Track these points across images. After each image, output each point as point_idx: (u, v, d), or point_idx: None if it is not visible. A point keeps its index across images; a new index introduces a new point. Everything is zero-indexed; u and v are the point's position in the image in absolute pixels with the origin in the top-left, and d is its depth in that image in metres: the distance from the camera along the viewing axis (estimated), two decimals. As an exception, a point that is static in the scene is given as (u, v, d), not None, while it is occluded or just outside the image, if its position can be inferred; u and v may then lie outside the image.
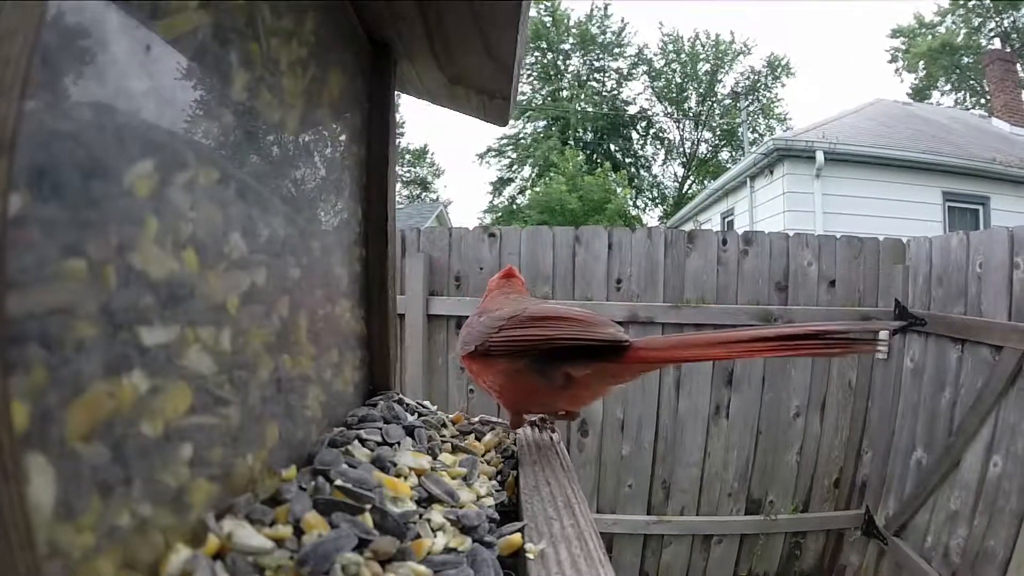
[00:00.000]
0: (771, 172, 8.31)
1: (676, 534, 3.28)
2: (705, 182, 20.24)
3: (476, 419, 0.89)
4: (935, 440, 2.87)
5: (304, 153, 0.65)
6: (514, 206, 23.74)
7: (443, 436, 0.74)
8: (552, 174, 19.16)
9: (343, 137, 0.78)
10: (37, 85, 0.28)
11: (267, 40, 0.53)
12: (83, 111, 0.31)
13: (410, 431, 0.69)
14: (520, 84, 0.97)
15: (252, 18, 0.50)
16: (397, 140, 0.92)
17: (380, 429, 0.64)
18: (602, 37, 24.40)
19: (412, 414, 0.76)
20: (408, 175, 26.12)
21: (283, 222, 0.56)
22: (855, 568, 3.32)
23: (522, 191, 24.20)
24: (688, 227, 11.11)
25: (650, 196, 25.16)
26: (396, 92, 0.91)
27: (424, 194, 26.14)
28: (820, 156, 7.54)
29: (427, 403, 0.84)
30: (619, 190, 19.24)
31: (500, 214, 23.86)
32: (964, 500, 2.62)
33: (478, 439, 0.79)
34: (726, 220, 10.22)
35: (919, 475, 2.94)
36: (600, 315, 0.80)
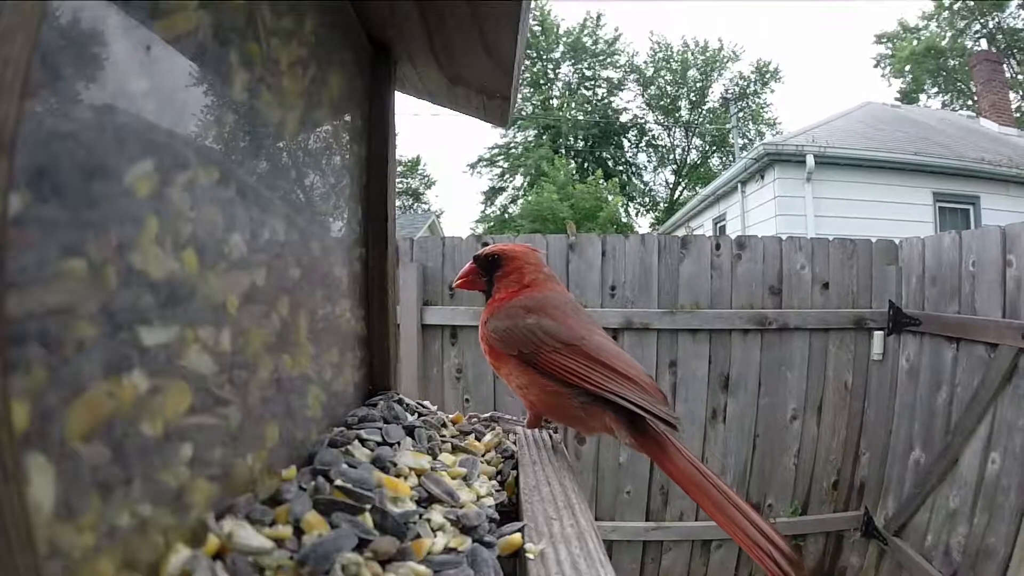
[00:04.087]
0: (762, 177, 8.35)
1: (675, 540, 3.27)
2: (696, 188, 20.33)
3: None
4: (933, 439, 2.87)
5: (304, 153, 0.65)
6: (506, 215, 23.77)
7: (443, 436, 0.74)
8: (543, 183, 19.19)
9: (343, 137, 0.78)
10: (37, 85, 0.28)
11: (267, 40, 0.53)
12: (83, 111, 0.32)
13: (410, 431, 0.69)
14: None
15: (252, 18, 0.50)
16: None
17: (380, 429, 0.64)
18: (594, 47, 24.55)
19: (412, 414, 0.76)
20: (400, 186, 26.13)
21: (283, 222, 0.57)
22: (856, 569, 3.31)
23: (514, 200, 24.26)
24: (680, 233, 11.16)
25: (641, 203, 25.27)
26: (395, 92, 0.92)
27: (416, 205, 26.15)
28: (810, 160, 7.58)
29: (427, 403, 0.84)
30: (611, 198, 19.28)
31: (492, 223, 23.88)
32: (963, 498, 2.62)
33: (478, 439, 0.79)
34: (718, 225, 10.26)
35: (917, 475, 2.94)
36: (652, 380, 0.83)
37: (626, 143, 25.38)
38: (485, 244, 3.24)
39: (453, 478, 0.61)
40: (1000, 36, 18.46)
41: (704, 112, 24.50)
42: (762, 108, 24.08)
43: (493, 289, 0.94)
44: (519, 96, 1.09)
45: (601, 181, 19.40)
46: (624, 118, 25.05)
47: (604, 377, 0.79)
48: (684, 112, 24.73)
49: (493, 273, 0.95)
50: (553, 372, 0.80)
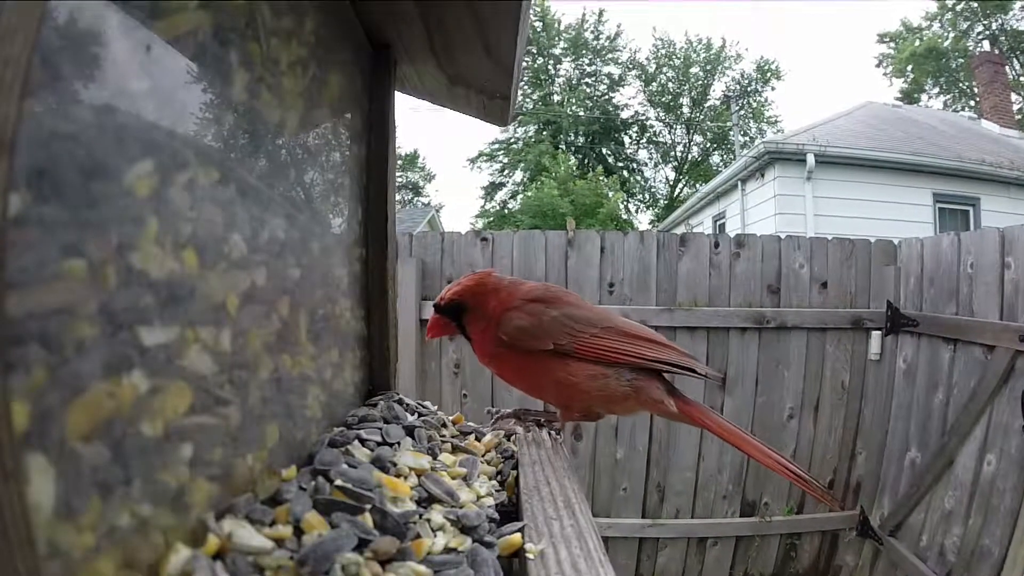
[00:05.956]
0: (762, 175, 8.34)
1: (671, 537, 3.28)
2: (697, 185, 20.33)
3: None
4: (929, 440, 2.88)
5: (304, 153, 0.65)
6: (506, 210, 23.77)
7: (443, 436, 0.74)
8: (544, 178, 19.17)
9: (343, 137, 0.78)
10: (37, 85, 0.28)
11: (267, 40, 0.53)
12: (83, 111, 0.31)
13: (410, 431, 0.68)
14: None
15: (252, 18, 0.50)
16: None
17: (380, 429, 0.64)
18: (595, 42, 24.50)
19: (412, 414, 0.76)
20: (399, 180, 26.08)
21: (283, 222, 0.56)
22: (851, 568, 3.32)
23: (514, 195, 24.26)
24: (680, 230, 11.15)
25: (642, 199, 25.27)
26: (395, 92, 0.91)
27: (416, 199, 26.13)
28: (811, 159, 7.57)
29: (427, 403, 0.83)
30: (611, 194, 19.27)
31: (492, 219, 23.88)
32: (959, 499, 2.63)
33: (478, 439, 0.79)
34: (718, 223, 10.26)
35: (913, 475, 2.95)
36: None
37: (627, 139, 25.37)
38: (484, 240, 3.24)
39: (453, 478, 0.61)
40: (1003, 38, 18.44)
41: (705, 109, 24.48)
42: (763, 106, 24.09)
43: (470, 327, 0.88)
44: (519, 92, 1.09)
45: (602, 177, 19.39)
46: (625, 114, 25.05)
47: (649, 349, 0.83)
48: (686, 109, 24.71)
49: (462, 316, 0.89)
50: (598, 356, 0.81)
